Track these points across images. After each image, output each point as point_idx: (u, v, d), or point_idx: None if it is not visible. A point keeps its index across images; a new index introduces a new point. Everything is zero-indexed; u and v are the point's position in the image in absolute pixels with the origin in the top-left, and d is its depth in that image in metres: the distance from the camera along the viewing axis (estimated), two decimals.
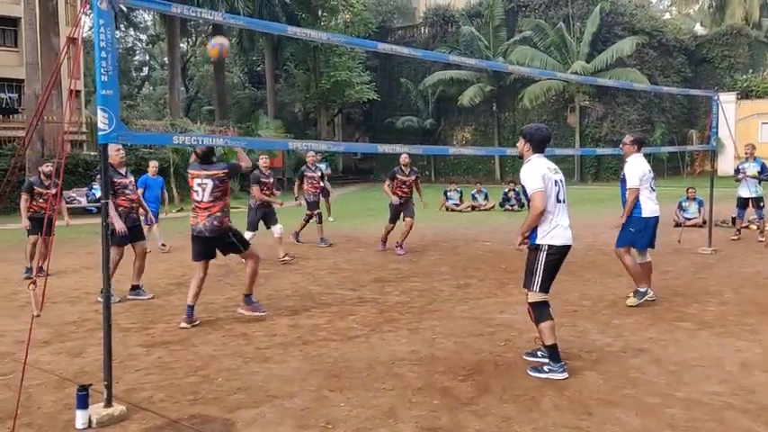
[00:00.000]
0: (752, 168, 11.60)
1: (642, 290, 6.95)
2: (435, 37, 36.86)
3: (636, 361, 5.19)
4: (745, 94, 33.41)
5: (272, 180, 10.74)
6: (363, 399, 4.50)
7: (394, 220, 11.24)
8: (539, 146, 5.05)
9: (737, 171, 11.86)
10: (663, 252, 10.50)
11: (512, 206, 18.59)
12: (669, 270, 9.03)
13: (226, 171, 6.64)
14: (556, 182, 4.95)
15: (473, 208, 19.00)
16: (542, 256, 4.91)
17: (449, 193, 19.72)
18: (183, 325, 6.48)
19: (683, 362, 5.11)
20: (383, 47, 5.79)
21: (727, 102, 32.66)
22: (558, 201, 4.94)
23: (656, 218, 7.08)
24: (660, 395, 4.45)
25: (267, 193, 10.48)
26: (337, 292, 8.06)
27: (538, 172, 4.89)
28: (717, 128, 10.92)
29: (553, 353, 4.86)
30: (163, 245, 11.90)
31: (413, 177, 11.05)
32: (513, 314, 6.75)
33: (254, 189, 10.39)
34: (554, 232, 4.91)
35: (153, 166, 12.07)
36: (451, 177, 29.38)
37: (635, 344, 5.63)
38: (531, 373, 4.87)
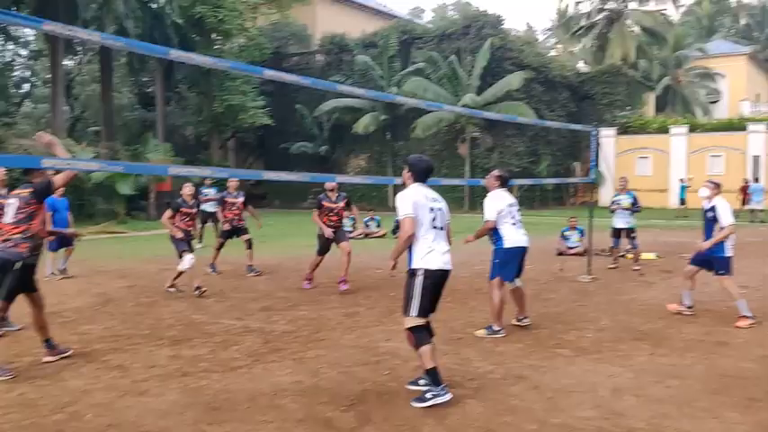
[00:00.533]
0: (625, 200, 12.27)
1: (495, 328, 7.03)
2: (331, 64, 37.09)
3: (516, 388, 5.29)
4: (624, 130, 35.50)
5: (195, 210, 10.15)
6: None
7: (323, 252, 10.17)
8: (420, 175, 5.21)
9: (613, 203, 12.51)
10: (545, 280, 10.89)
11: (373, 233, 18.88)
12: (551, 298, 9.34)
13: (30, 190, 5.80)
14: (432, 209, 5.07)
15: (366, 235, 19.05)
16: (418, 281, 4.99)
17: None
18: (47, 359, 6.08)
19: (560, 388, 5.26)
20: (269, 74, 5.72)
21: (607, 136, 34.73)
22: (435, 227, 5.06)
23: (522, 248, 7.24)
24: (537, 422, 4.55)
25: (190, 223, 9.94)
26: (222, 321, 7.83)
27: (410, 199, 5.01)
28: (596, 161, 11.44)
29: (434, 376, 4.90)
30: (64, 269, 11.29)
31: (342, 204, 10.09)
32: (399, 342, 6.74)
33: (166, 214, 9.82)
34: (429, 257, 5.00)
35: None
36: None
37: (516, 371, 5.75)
38: (413, 404, 4.86)
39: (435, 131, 32.24)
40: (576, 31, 46.05)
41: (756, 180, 26.36)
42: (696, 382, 5.43)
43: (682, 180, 30.50)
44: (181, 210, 9.80)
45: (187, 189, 10.00)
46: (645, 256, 13.09)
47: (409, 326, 5.01)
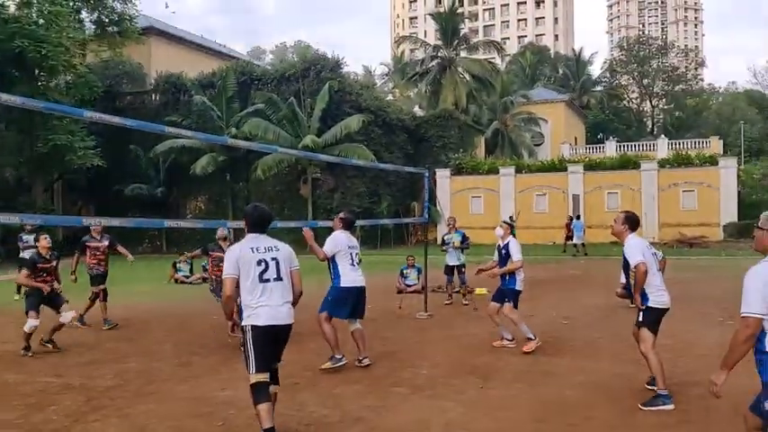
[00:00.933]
0: (455, 239, 12.84)
1: (338, 356, 7.29)
2: (167, 105, 36.03)
3: (353, 431, 5.26)
4: (458, 171, 37.21)
5: (54, 263, 9.05)
6: None
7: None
8: (254, 226, 5.03)
9: (443, 242, 13.03)
10: (385, 318, 11.03)
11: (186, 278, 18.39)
12: (388, 336, 9.45)
13: None
14: (260, 261, 4.84)
15: (204, 279, 18.39)
16: (248, 338, 4.82)
17: (178, 265, 18.96)
18: None
19: (395, 428, 5.29)
20: (89, 114, 5.42)
21: (442, 177, 36.22)
22: (263, 280, 4.82)
23: (359, 288, 7.43)
24: None
25: (48, 278, 8.84)
26: (39, 379, 7.18)
27: (234, 255, 4.86)
28: (429, 201, 11.84)
29: None
30: None
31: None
32: (235, 390, 6.52)
33: (23, 273, 8.78)
34: (257, 312, 4.79)
35: None
36: (184, 248, 28.41)
37: (353, 413, 5.72)
38: None
39: (276, 172, 32.12)
40: (412, 77, 48.04)
41: (578, 217, 28.54)
42: (522, 411, 5.67)
43: (511, 218, 32.34)
44: (37, 266, 8.80)
45: (44, 241, 9.01)
46: (478, 291, 13.65)
47: (250, 382, 4.81)
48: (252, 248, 4.89)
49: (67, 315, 8.76)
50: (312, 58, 36.33)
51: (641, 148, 49.22)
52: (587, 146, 56.08)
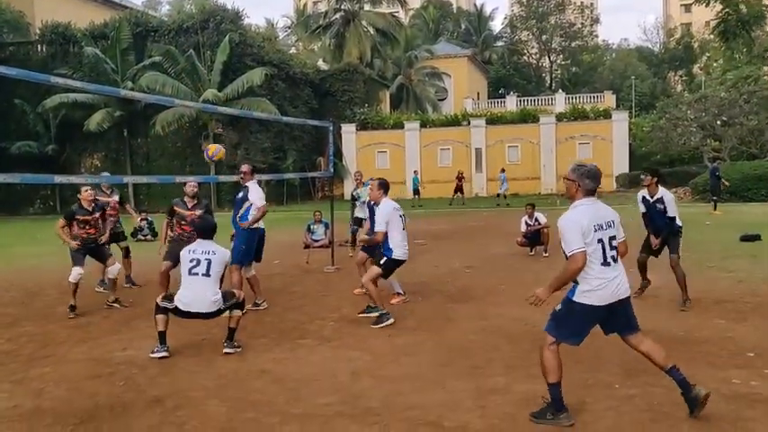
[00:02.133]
0: (364, 193, 12.81)
1: (259, 301, 8.02)
2: (55, 56, 34.04)
3: (258, 383, 5.25)
4: (363, 126, 37.15)
5: (96, 215, 8.56)
6: None
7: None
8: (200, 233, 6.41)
9: (353, 197, 13.03)
10: (292, 273, 10.99)
11: (144, 236, 17.81)
12: (296, 290, 9.43)
13: None
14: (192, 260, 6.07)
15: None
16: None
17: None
18: None
19: (301, 378, 5.31)
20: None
21: (348, 132, 36.10)
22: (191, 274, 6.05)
23: (260, 231, 8.17)
24: (279, 414, 4.54)
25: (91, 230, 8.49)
26: None
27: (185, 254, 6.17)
28: (335, 155, 11.76)
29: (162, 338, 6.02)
30: None
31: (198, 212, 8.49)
32: (136, 350, 6.36)
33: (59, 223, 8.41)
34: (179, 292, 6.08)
35: None
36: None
37: (259, 365, 5.70)
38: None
39: (177, 128, 31.12)
40: (315, 30, 47.22)
41: (503, 170, 29.32)
42: (427, 357, 5.82)
43: (415, 172, 32.76)
44: (76, 217, 8.37)
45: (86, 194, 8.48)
46: None
47: (156, 301, 6.11)
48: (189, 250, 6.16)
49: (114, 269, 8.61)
50: (211, 8, 35.04)
51: (540, 102, 50.60)
52: (489, 100, 57.14)
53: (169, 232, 8.62)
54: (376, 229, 7.37)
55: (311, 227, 15.14)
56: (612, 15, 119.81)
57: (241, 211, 8.01)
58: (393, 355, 5.87)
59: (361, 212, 12.90)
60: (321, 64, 46.70)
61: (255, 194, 7.96)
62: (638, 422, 4.25)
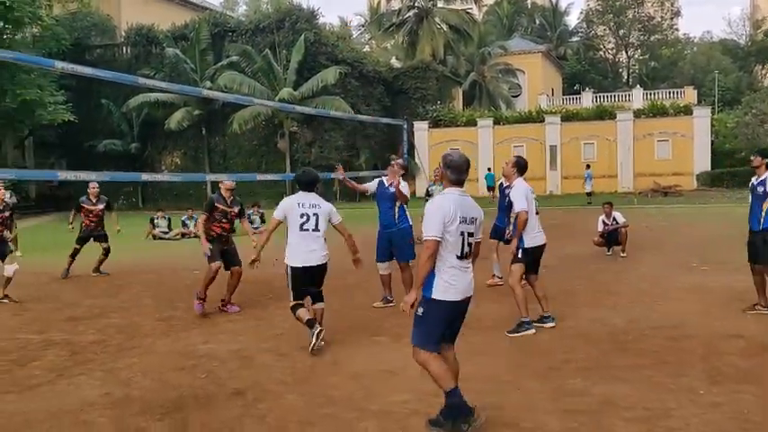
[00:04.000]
0: (440, 191, 12.78)
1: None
2: (138, 57, 35.33)
3: (335, 378, 5.33)
4: (435, 123, 37.06)
5: (6, 214, 9.31)
6: None
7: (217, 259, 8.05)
8: (301, 185, 6.43)
9: (428, 193, 13.01)
10: (370, 269, 11.06)
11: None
12: (372, 286, 9.48)
13: None
14: (303, 215, 6.27)
15: (183, 235, 18.33)
16: (288, 273, 6.27)
17: (156, 221, 18.85)
18: None
19: (377, 375, 5.37)
20: (60, 65, 5.29)
21: (420, 129, 36.09)
22: (304, 229, 6.23)
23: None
24: (356, 410, 4.61)
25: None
26: (19, 336, 7.15)
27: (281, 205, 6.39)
28: (409, 152, 11.79)
29: (310, 323, 6.14)
30: None
31: (236, 209, 8.28)
32: (217, 344, 6.57)
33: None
34: (292, 255, 6.22)
35: None
36: (161, 204, 28.12)
37: (336, 360, 5.80)
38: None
39: (253, 126, 31.80)
40: (388, 28, 47.35)
41: (588, 167, 28.80)
42: (502, 357, 5.79)
43: (489, 169, 32.47)
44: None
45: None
46: None
47: (290, 306, 6.30)
48: (298, 203, 6.27)
49: (10, 268, 8.96)
50: (287, 8, 35.65)
51: (617, 98, 49.30)
52: (564, 97, 56.06)
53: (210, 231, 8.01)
54: (518, 208, 6.70)
55: None
56: (694, 7, 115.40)
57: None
58: (468, 355, 5.83)
59: None
60: (394, 62, 46.80)
61: (407, 189, 8.04)
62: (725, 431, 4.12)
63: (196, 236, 18.10)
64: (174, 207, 27.05)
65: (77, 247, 11.27)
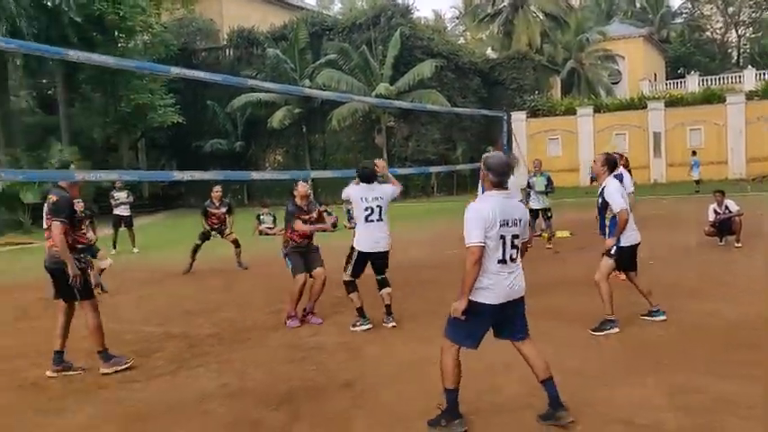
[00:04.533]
0: (540, 183, 12.60)
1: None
2: (241, 59, 36.46)
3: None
4: (533, 113, 36.41)
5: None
6: None
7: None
8: (362, 178, 7.03)
9: (528, 185, 12.83)
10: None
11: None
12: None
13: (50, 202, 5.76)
14: (367, 208, 6.90)
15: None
16: (353, 255, 6.94)
17: (262, 217, 19.48)
18: (49, 373, 5.85)
19: (486, 369, 5.34)
20: (176, 71, 5.59)
21: (518, 120, 35.51)
22: (369, 220, 6.88)
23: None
24: (466, 403, 4.60)
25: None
26: (142, 328, 7.61)
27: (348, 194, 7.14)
28: (508, 144, 11.70)
29: (360, 311, 6.98)
30: None
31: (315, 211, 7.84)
32: (325, 336, 6.77)
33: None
34: (360, 241, 6.92)
35: None
36: (264, 200, 28.99)
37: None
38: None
39: (351, 123, 32.24)
40: (483, 19, 46.88)
41: (694, 153, 27.67)
42: (612, 352, 5.68)
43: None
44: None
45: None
46: (559, 234, 13.49)
47: (343, 279, 6.99)
48: (362, 198, 6.92)
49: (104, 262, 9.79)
50: (382, 4, 35.83)
51: (726, 81, 46.82)
52: (668, 81, 53.69)
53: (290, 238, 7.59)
54: (618, 207, 6.34)
55: None
56: None
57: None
58: (577, 349, 5.78)
59: (536, 203, 12.69)
60: (490, 53, 46.29)
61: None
62: None
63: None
64: (279, 204, 27.84)
65: (198, 243, 11.82)
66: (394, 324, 6.97)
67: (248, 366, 5.88)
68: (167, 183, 34.20)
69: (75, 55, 4.95)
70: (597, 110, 35.73)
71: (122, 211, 15.44)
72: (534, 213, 12.76)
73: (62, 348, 5.91)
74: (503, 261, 4.11)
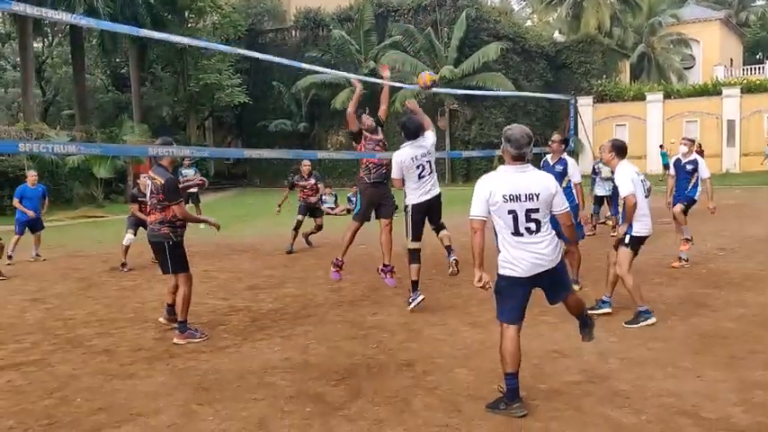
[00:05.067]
0: (606, 170, 12.32)
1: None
2: (306, 40, 36.72)
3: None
4: (600, 98, 35.55)
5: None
6: (233, 411, 4.38)
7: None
8: (408, 136, 7.03)
9: (594, 171, 12.59)
10: None
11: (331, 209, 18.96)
12: None
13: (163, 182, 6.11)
14: (418, 166, 6.90)
15: (348, 211, 19.03)
16: (408, 215, 6.96)
17: (323, 197, 19.64)
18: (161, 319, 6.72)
19: (545, 355, 5.34)
20: (241, 52, 5.67)
21: (584, 105, 34.74)
22: (420, 176, 6.90)
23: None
24: (525, 388, 4.60)
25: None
26: (208, 301, 7.82)
27: (395, 161, 6.99)
28: (574, 129, 11.49)
29: (414, 285, 6.89)
30: (37, 255, 11.63)
31: None
32: (386, 316, 6.82)
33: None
34: (412, 196, 6.95)
35: (32, 175, 11.64)
36: (326, 181, 29.23)
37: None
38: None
39: None
40: (551, 1, 45.90)
41: None
42: (678, 343, 5.54)
43: (661, 147, 30.68)
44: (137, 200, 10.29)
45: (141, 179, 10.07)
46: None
47: (408, 248, 6.99)
48: (410, 157, 6.89)
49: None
50: None
51: None
52: (744, 67, 51.60)
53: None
54: (625, 192, 6.22)
55: None
56: None
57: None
58: (641, 339, 5.67)
59: (601, 189, 12.47)
60: (557, 36, 45.34)
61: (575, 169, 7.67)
62: None
63: None
64: (339, 185, 28.09)
65: (300, 218, 11.93)
66: (455, 258, 7.06)
67: (311, 341, 5.98)
68: (233, 161, 34.86)
69: (146, 33, 5.08)
70: (667, 96, 34.63)
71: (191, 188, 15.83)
72: (599, 200, 12.55)
73: (172, 302, 6.50)
74: (517, 233, 4.14)
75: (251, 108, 34.07)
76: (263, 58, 6.82)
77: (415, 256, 6.91)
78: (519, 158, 4.16)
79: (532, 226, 4.13)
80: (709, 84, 35.83)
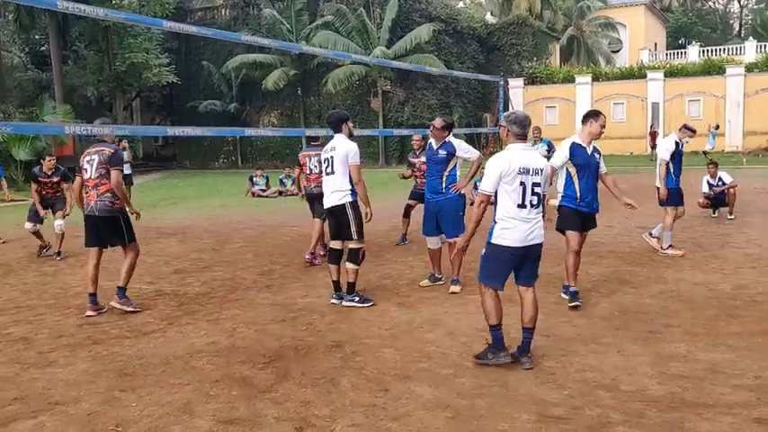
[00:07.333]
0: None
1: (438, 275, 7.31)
2: (237, 19, 35.98)
3: (431, 335, 5.40)
4: (531, 80, 36.10)
5: (55, 179, 9.87)
6: (157, 396, 4.28)
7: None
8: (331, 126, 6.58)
9: None
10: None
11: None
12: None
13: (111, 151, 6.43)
14: (324, 159, 6.50)
15: (280, 193, 18.82)
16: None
17: (255, 179, 19.39)
18: (89, 313, 6.38)
19: (474, 333, 5.40)
20: (169, 25, 5.48)
21: (515, 87, 35.26)
22: (326, 173, 6.49)
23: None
24: (453, 366, 4.66)
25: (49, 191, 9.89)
26: (133, 286, 7.54)
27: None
28: (503, 111, 11.60)
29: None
30: None
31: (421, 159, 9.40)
32: (316, 297, 6.77)
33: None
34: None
35: None
36: (259, 163, 28.90)
37: (431, 318, 5.86)
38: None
39: (347, 86, 31.97)
40: None
41: (717, 127, 27.96)
42: (601, 319, 5.69)
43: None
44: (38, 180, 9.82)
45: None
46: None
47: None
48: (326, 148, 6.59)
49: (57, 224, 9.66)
50: None
51: (727, 52, 46.49)
52: (668, 51, 53.31)
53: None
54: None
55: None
56: None
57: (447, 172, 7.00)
58: (565, 316, 5.80)
59: None
60: (489, 17, 45.74)
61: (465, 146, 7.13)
62: None
63: (293, 194, 18.55)
64: (272, 166, 27.79)
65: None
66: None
67: (238, 324, 5.89)
68: (161, 143, 34.01)
69: (62, 6, 4.84)
70: (596, 78, 35.46)
71: (125, 169, 15.48)
72: None
73: (95, 291, 6.47)
74: (522, 206, 4.49)
75: (180, 88, 33.25)
76: (196, 33, 6.64)
77: (331, 256, 6.58)
78: (522, 137, 4.63)
79: (535, 200, 4.53)
80: (634, 67, 36.85)
